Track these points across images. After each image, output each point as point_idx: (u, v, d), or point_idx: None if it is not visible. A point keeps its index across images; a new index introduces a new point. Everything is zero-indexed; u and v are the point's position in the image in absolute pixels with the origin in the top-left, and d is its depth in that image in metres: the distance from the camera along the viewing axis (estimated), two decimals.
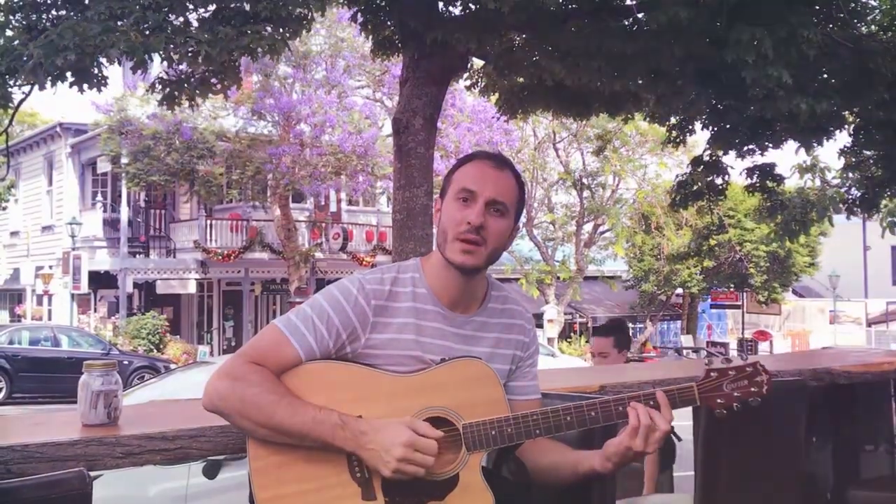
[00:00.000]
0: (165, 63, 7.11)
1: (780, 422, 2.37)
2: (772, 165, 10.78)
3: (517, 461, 2.01)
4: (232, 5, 6.66)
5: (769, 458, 2.41)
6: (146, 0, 6.11)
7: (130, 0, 6.12)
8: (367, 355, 1.85)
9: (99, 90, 6.67)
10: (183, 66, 7.30)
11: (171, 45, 6.29)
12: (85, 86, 6.47)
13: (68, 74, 6.30)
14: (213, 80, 7.21)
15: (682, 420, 1.95)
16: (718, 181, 10.79)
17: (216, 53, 6.31)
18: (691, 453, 2.36)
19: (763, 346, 29.33)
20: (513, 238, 1.96)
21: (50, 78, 6.25)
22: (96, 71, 6.47)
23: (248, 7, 6.65)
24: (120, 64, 6.97)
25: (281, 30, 6.76)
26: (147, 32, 6.16)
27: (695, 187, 10.82)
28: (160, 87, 7.43)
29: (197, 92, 7.35)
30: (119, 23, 6.11)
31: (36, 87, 6.46)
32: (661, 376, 2.94)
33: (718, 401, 1.88)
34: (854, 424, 3.53)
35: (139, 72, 6.69)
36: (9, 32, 6.65)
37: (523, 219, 28.58)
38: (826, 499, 3.45)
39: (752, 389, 1.88)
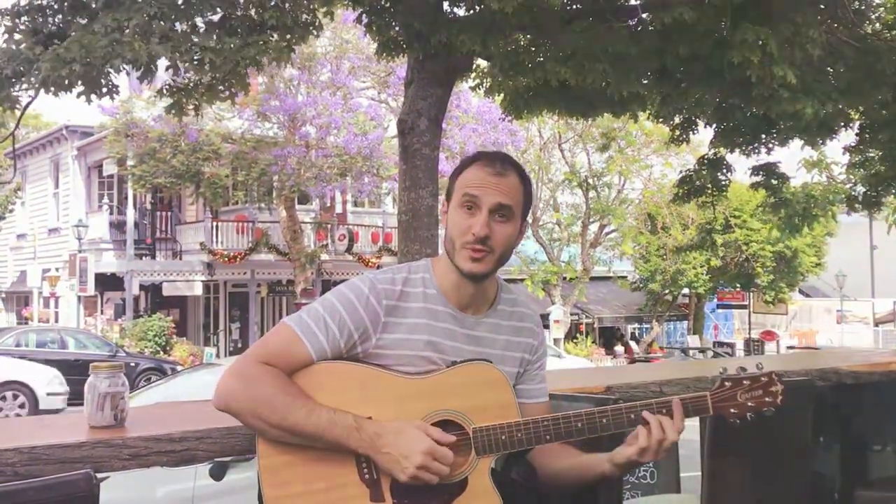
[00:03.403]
0: (171, 71, 7.15)
1: (787, 421, 2.36)
2: (776, 164, 10.82)
3: (527, 465, 2.01)
4: (238, 13, 6.69)
5: (776, 457, 2.40)
6: (152, 9, 6.12)
7: (136, 11, 6.14)
8: (377, 355, 1.85)
9: (112, 98, 6.71)
10: (189, 74, 7.33)
11: (177, 54, 6.32)
12: (94, 96, 6.51)
13: (78, 82, 6.34)
14: (221, 87, 7.23)
15: (689, 420, 1.94)
16: (721, 177, 10.83)
17: (221, 62, 6.33)
18: (697, 453, 2.35)
19: (770, 347, 29.28)
20: (521, 237, 1.96)
21: (59, 88, 6.29)
22: (104, 81, 6.51)
23: (254, 14, 6.67)
24: (128, 74, 7.02)
25: (287, 36, 6.78)
26: (152, 41, 6.18)
27: (697, 182, 10.86)
28: (167, 93, 7.46)
29: (204, 98, 7.37)
30: (125, 34, 6.14)
31: (42, 90, 6.50)
32: (667, 377, 2.94)
33: (732, 410, 1.87)
34: (861, 424, 3.52)
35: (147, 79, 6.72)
36: (16, 36, 6.68)
37: (529, 218, 28.61)
38: (833, 499, 3.44)
39: (767, 399, 1.87)
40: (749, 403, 1.86)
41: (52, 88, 6.29)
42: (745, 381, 1.88)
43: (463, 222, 1.86)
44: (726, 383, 1.87)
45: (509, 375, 1.92)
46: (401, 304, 1.87)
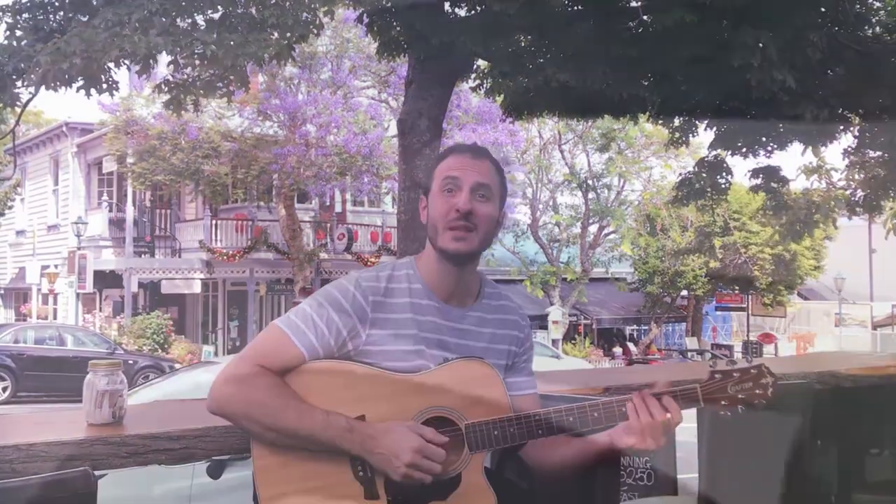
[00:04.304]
0: (172, 66, 7.16)
1: (785, 425, 2.37)
2: (776, 168, 10.82)
3: (520, 461, 2.02)
4: (239, 11, 6.70)
5: (774, 461, 2.41)
6: (153, 5, 6.14)
7: (137, 6, 6.15)
8: (367, 352, 1.86)
9: (111, 94, 6.73)
10: (189, 70, 7.34)
11: (178, 49, 6.34)
12: (93, 91, 6.52)
13: (78, 77, 6.35)
14: (220, 84, 7.24)
15: (686, 422, 1.94)
16: (721, 180, 10.83)
17: (222, 55, 6.34)
18: (695, 455, 2.36)
19: (768, 349, 29.25)
20: (500, 225, 1.99)
21: (59, 82, 6.30)
22: (104, 76, 6.52)
23: (254, 12, 6.69)
24: (129, 69, 7.03)
25: (288, 35, 6.79)
26: (152, 35, 6.20)
27: (696, 185, 10.86)
28: (165, 88, 7.46)
29: (202, 93, 7.38)
30: (125, 28, 6.15)
31: (43, 86, 6.51)
32: (666, 378, 2.94)
33: (722, 402, 1.86)
34: (859, 428, 3.52)
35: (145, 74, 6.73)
36: (17, 32, 6.69)
37: (528, 219, 28.78)
38: (831, 502, 3.45)
39: (757, 392, 1.86)
40: (739, 396, 1.86)
41: (53, 83, 6.30)
42: (735, 374, 1.88)
43: (445, 204, 1.90)
44: (716, 375, 1.88)
45: (497, 368, 1.93)
46: (387, 300, 1.89)
